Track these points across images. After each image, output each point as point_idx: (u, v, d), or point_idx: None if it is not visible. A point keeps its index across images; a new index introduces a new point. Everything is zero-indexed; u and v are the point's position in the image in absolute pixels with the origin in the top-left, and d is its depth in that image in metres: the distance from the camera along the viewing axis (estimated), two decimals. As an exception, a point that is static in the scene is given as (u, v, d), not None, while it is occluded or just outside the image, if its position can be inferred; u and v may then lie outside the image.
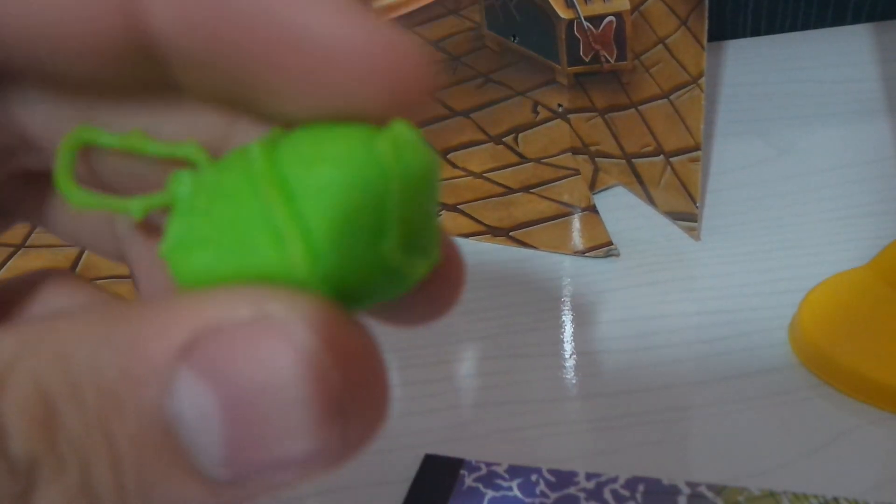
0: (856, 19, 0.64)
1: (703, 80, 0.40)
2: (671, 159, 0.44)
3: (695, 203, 0.43)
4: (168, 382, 0.12)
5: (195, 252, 0.13)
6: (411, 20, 0.49)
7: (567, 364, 0.39)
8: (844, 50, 0.61)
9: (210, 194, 0.13)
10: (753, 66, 0.60)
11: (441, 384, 0.38)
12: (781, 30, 0.64)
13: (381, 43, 0.12)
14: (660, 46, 0.43)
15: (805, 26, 0.64)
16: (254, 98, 0.13)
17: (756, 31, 0.64)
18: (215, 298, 0.12)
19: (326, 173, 0.12)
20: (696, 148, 0.42)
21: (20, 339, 0.12)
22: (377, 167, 0.12)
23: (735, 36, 0.64)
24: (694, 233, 0.44)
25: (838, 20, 0.64)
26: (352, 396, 0.12)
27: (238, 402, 0.12)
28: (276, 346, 0.12)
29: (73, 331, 0.12)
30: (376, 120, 0.13)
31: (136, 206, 0.14)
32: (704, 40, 0.39)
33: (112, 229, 0.17)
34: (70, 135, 0.13)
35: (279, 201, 0.12)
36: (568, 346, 0.40)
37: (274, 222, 0.12)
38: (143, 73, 0.14)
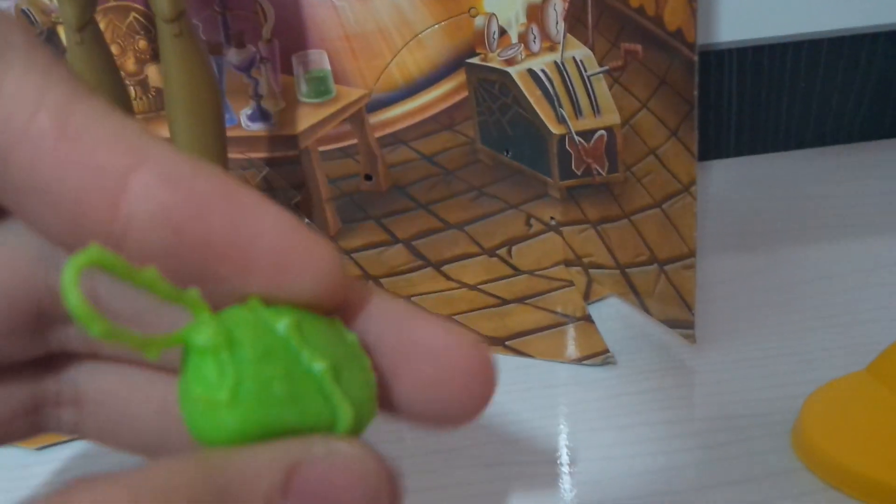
0: (834, 141, 0.66)
1: (694, 188, 0.41)
2: (665, 267, 0.45)
3: (690, 310, 0.43)
4: None
5: (225, 409, 0.15)
6: (406, 135, 0.50)
7: (565, 472, 0.38)
8: (825, 168, 0.63)
9: (239, 352, 0.15)
10: (739, 183, 0.62)
11: (433, 493, 0.37)
12: (763, 150, 0.66)
13: (317, 253, 0.16)
14: (651, 157, 0.44)
15: (786, 147, 0.66)
16: (201, 280, 0.16)
17: (739, 152, 0.66)
18: (291, 444, 0.15)
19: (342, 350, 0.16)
20: (690, 255, 0.42)
21: (131, 493, 0.13)
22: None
23: (719, 156, 0.66)
24: (690, 340, 0.44)
25: (818, 141, 0.66)
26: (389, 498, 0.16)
27: None
28: (351, 476, 0.15)
29: (174, 483, 0.14)
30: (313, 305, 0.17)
31: (152, 344, 0.15)
32: (695, 149, 0.40)
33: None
34: (84, 251, 0.14)
35: (329, 376, 0.16)
36: (566, 455, 0.39)
37: (324, 388, 0.16)
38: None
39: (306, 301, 0.16)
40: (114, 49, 0.47)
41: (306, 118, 0.49)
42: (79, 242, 0.15)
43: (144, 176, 0.15)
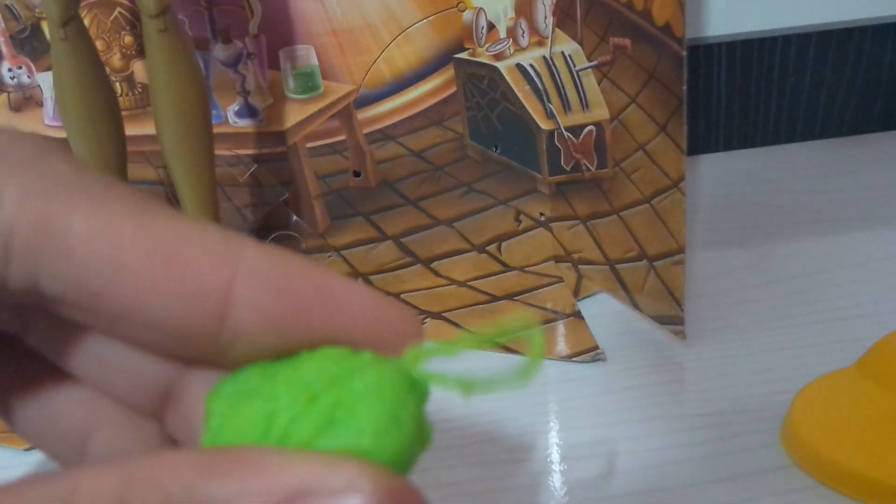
0: (823, 135, 0.66)
1: (683, 184, 0.41)
2: (654, 263, 0.44)
3: (680, 306, 0.43)
4: None
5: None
6: (394, 131, 0.50)
7: (555, 469, 0.38)
8: (814, 162, 0.63)
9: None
10: (728, 178, 0.62)
11: (427, 492, 0.37)
12: (753, 144, 0.66)
13: (391, 316, 0.17)
14: (640, 153, 0.44)
15: (775, 141, 0.66)
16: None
17: (728, 147, 0.66)
18: (311, 462, 0.14)
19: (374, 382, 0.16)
20: (680, 251, 0.42)
21: (124, 479, 0.13)
22: (403, 376, 0.17)
23: (708, 151, 0.66)
24: (680, 336, 0.44)
25: (807, 135, 0.66)
26: None
27: None
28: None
29: (175, 476, 0.13)
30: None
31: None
32: (684, 144, 0.40)
33: (81, 445, 0.19)
34: (415, 351, 0.17)
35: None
36: (555, 452, 0.39)
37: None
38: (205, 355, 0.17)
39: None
40: (99, 45, 0.46)
41: (294, 114, 0.49)
42: (186, 353, 0.16)
43: (244, 285, 0.15)
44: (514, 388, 0.16)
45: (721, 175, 0.62)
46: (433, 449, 0.41)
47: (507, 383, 0.16)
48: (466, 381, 0.16)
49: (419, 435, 0.17)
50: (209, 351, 0.16)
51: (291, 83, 0.49)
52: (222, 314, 0.15)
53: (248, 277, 0.15)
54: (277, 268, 0.16)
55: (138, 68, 0.47)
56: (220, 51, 0.48)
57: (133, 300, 0.15)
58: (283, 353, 0.17)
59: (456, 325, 0.48)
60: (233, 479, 0.14)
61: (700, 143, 0.65)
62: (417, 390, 0.17)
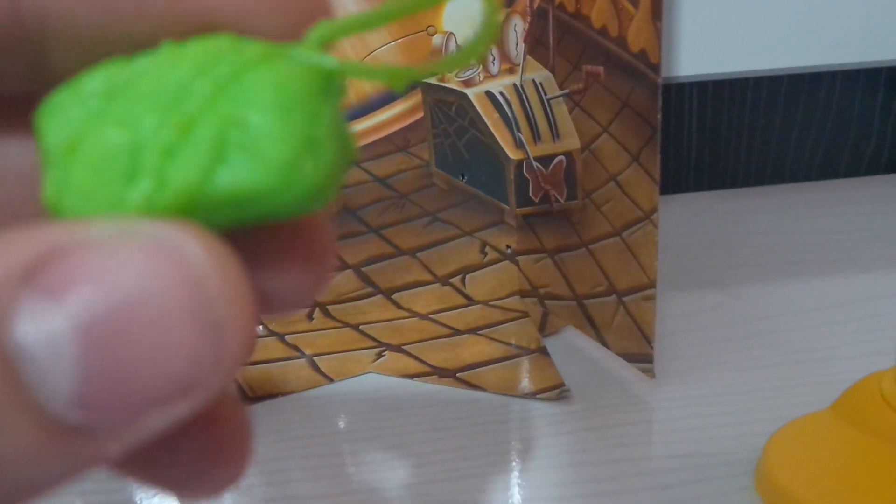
0: (793, 178, 0.66)
1: (656, 216, 0.39)
2: (624, 298, 0.43)
3: (650, 344, 0.41)
4: (8, 309, 0.10)
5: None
6: (360, 156, 0.48)
7: (518, 512, 0.36)
8: (785, 205, 0.62)
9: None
10: (699, 218, 0.61)
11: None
12: (723, 186, 0.65)
13: None
14: (611, 184, 0.43)
15: (745, 183, 0.65)
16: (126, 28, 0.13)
17: (699, 187, 0.65)
18: (64, 225, 0.11)
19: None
20: (651, 285, 0.41)
21: None
22: (312, 72, 0.12)
23: (679, 191, 0.65)
24: (649, 374, 0.42)
25: (777, 178, 0.66)
26: (226, 308, 0.11)
27: (97, 322, 0.10)
28: (145, 256, 0.10)
29: None
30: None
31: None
32: (657, 175, 0.39)
33: None
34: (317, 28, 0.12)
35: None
36: (517, 494, 0.37)
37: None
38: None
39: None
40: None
41: (254, 135, 0.47)
42: None
43: None
44: (459, 68, 0.13)
45: (692, 215, 0.61)
46: (389, 488, 0.39)
47: (451, 64, 0.12)
48: (396, 69, 0.12)
49: (340, 152, 0.12)
50: (17, 67, 0.12)
51: (252, 103, 0.47)
52: None
53: None
54: None
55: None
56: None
57: None
58: (132, 49, 0.12)
59: (417, 358, 0.46)
60: None
61: (670, 183, 0.64)
62: (332, 90, 0.12)
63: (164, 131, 0.11)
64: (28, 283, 0.10)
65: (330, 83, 0.12)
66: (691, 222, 0.60)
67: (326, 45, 0.12)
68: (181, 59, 0.12)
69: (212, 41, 0.12)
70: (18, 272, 0.10)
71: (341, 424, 0.42)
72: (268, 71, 0.12)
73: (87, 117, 0.12)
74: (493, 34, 0.12)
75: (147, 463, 0.14)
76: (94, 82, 0.12)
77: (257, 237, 0.13)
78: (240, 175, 0.11)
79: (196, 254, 0.11)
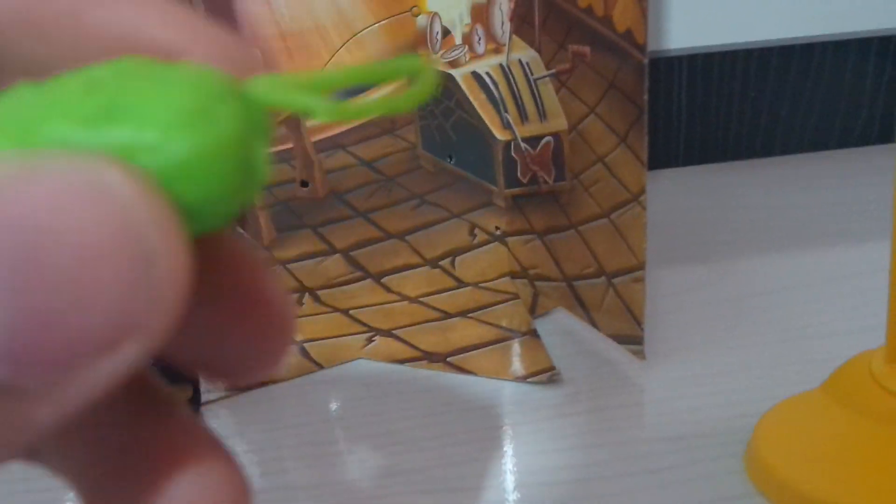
0: (784, 151, 0.65)
1: (644, 198, 0.39)
2: (613, 280, 0.43)
3: (639, 325, 0.41)
4: None
5: None
6: (344, 140, 0.48)
7: (509, 498, 0.36)
8: (775, 178, 0.62)
9: None
10: (689, 194, 0.60)
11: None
12: (713, 160, 0.65)
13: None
14: (599, 165, 0.42)
15: (736, 157, 0.65)
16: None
17: (689, 161, 0.65)
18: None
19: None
20: (640, 267, 0.40)
21: None
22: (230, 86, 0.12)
23: (668, 166, 0.64)
24: (639, 356, 0.42)
25: (768, 151, 0.65)
26: (157, 237, 0.10)
27: (12, 266, 0.09)
28: (59, 189, 0.09)
29: None
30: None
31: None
32: (645, 156, 0.38)
33: None
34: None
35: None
36: (510, 479, 0.37)
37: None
38: None
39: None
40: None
41: (238, 121, 0.47)
42: None
43: None
44: (394, 111, 0.12)
45: (681, 190, 0.61)
46: (377, 475, 0.39)
47: (387, 106, 0.12)
48: (331, 104, 0.12)
49: (245, 159, 0.12)
50: None
51: (235, 88, 0.46)
52: None
53: None
54: None
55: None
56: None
57: None
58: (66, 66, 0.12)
59: (407, 343, 0.45)
60: None
61: (660, 158, 0.64)
62: (253, 112, 0.12)
63: (66, 99, 0.11)
64: None
65: (251, 105, 0.12)
66: (681, 198, 0.59)
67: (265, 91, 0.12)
68: (105, 67, 0.11)
69: (138, 60, 0.12)
70: None
71: (333, 411, 0.42)
72: (188, 69, 0.11)
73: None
74: (431, 88, 0.12)
75: (197, 352, 0.13)
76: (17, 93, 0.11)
77: (218, 305, 0.13)
78: (115, 130, 0.11)
79: (118, 182, 0.10)
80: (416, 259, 0.50)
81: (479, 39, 0.46)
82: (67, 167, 0.10)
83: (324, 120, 0.12)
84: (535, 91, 0.46)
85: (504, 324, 0.46)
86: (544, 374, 0.42)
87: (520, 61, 0.46)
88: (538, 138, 0.46)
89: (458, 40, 0.47)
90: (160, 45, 0.12)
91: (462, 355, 0.44)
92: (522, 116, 0.46)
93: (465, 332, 0.46)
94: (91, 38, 0.12)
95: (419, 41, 0.47)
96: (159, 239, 0.10)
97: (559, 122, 0.45)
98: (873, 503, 0.32)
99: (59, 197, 0.09)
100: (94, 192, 0.10)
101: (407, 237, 0.50)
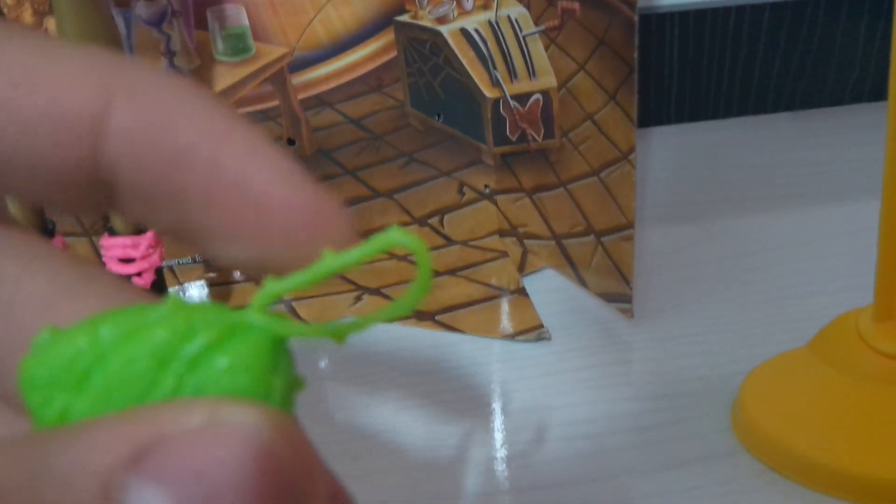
0: (776, 108, 0.65)
1: (633, 156, 0.39)
2: (602, 239, 0.43)
3: (628, 284, 0.41)
4: (119, 490, 0.11)
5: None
6: (331, 97, 0.47)
7: (498, 455, 0.36)
8: (766, 136, 0.61)
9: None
10: (679, 152, 0.60)
11: (361, 481, 0.35)
12: (704, 117, 0.64)
13: (310, 202, 0.13)
14: (588, 123, 0.42)
15: (727, 114, 0.65)
16: (188, 233, 0.14)
17: (680, 119, 0.64)
18: (160, 410, 0.12)
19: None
20: (629, 226, 0.40)
21: None
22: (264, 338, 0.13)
23: (659, 123, 0.64)
24: (627, 314, 0.42)
25: (759, 109, 0.65)
26: (303, 485, 0.12)
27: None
28: (235, 446, 0.11)
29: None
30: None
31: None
32: (634, 115, 0.38)
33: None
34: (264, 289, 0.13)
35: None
36: (498, 436, 0.37)
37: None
38: (90, 199, 0.14)
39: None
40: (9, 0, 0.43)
41: (223, 78, 0.46)
42: (70, 201, 0.13)
43: (122, 112, 0.13)
44: (395, 319, 0.13)
45: (672, 148, 0.60)
46: (366, 435, 0.39)
47: (388, 314, 0.13)
48: (341, 325, 0.13)
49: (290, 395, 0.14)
50: (92, 197, 0.13)
51: (220, 45, 0.46)
52: (96, 145, 0.13)
53: (127, 104, 0.13)
54: (161, 93, 0.13)
55: (52, 25, 0.44)
56: (142, 8, 0.44)
57: None
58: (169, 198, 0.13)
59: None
60: (67, 444, 0.11)
61: (651, 116, 0.64)
62: (281, 350, 0.13)
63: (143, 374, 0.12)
64: (135, 468, 0.11)
65: (279, 344, 0.13)
66: (671, 156, 0.59)
67: (271, 304, 0.13)
68: (148, 339, 0.12)
69: (175, 316, 0.13)
70: (127, 456, 0.11)
71: (320, 370, 0.42)
72: (223, 355, 0.13)
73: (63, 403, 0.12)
74: (427, 286, 0.13)
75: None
76: (74, 346, 0.12)
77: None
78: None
79: (273, 438, 0.12)
80: (404, 217, 0.49)
81: (468, -5, 0.46)
82: (239, 421, 0.12)
83: (339, 343, 0.13)
84: (525, 48, 0.45)
85: (493, 282, 0.46)
86: (533, 332, 0.42)
87: (509, 17, 0.45)
88: (527, 96, 0.46)
89: (446, -4, 0.46)
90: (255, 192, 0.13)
91: (451, 313, 0.44)
92: (511, 73, 0.46)
93: (453, 290, 0.46)
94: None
95: (407, -4, 0.46)
96: (309, 490, 0.12)
97: (548, 80, 0.44)
98: (858, 460, 0.32)
99: (235, 453, 0.11)
100: (257, 449, 0.11)
101: (395, 195, 0.49)
